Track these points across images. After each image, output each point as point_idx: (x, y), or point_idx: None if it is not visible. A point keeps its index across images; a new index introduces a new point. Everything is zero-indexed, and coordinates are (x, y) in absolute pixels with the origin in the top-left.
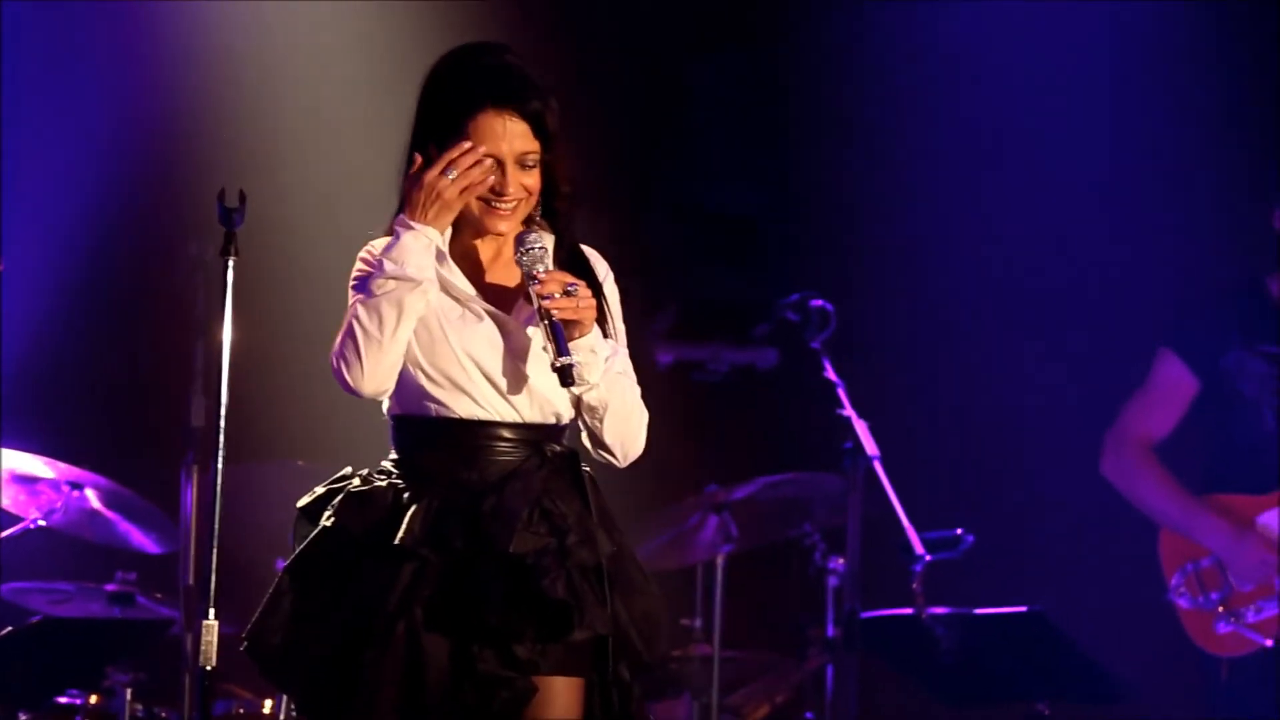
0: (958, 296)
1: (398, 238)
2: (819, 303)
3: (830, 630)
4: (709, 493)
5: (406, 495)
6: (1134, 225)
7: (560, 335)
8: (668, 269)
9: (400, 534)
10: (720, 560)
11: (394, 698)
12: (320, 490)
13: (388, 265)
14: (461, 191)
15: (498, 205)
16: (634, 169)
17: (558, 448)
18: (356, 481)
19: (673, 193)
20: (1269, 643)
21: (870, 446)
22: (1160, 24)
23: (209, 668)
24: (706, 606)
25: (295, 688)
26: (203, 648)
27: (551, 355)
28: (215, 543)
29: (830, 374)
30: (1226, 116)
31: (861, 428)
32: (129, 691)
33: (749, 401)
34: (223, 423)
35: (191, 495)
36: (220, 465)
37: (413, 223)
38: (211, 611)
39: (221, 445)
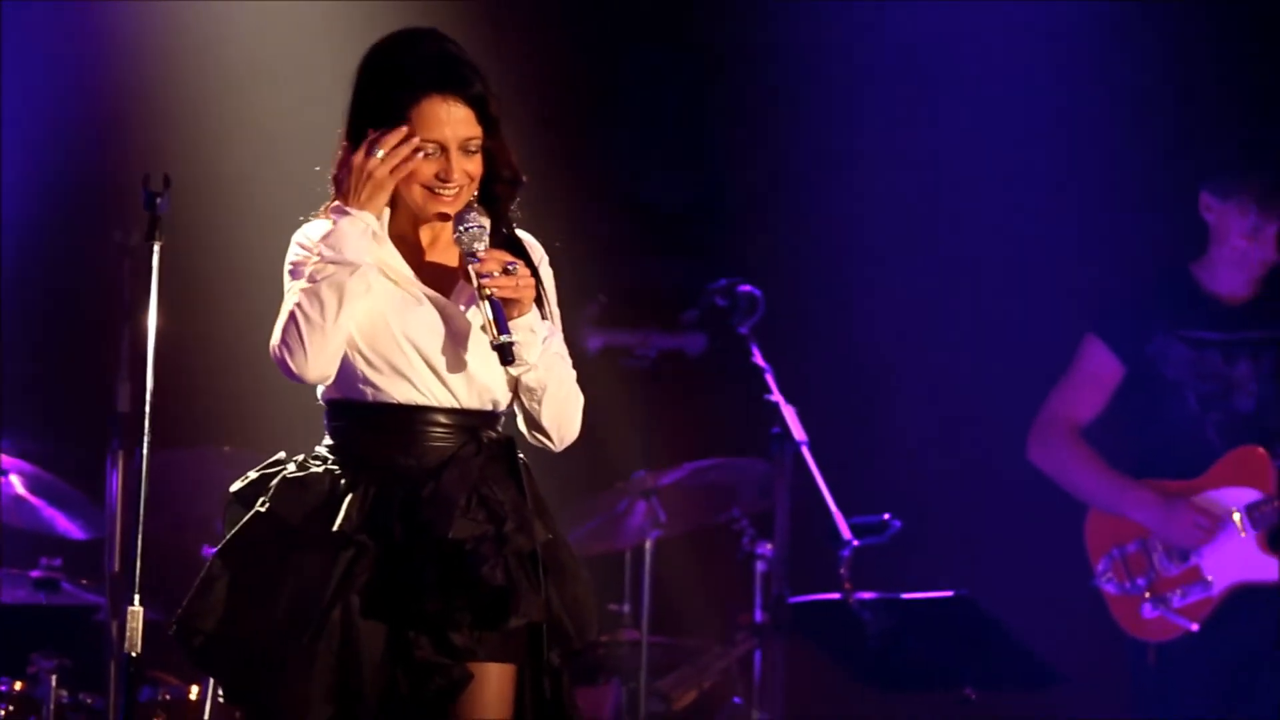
0: (885, 283)
1: (335, 223)
2: (747, 288)
3: (758, 615)
4: (637, 478)
5: (343, 482)
6: (1061, 213)
7: (499, 313)
8: (597, 255)
9: (339, 521)
10: (649, 545)
11: (328, 685)
12: (253, 475)
13: (325, 251)
14: (392, 170)
15: (441, 191)
16: (565, 158)
17: (494, 434)
18: (292, 467)
19: (603, 180)
20: (1195, 627)
21: (798, 432)
22: (1085, 15)
23: (134, 654)
24: (635, 592)
25: (225, 674)
26: (128, 634)
27: (490, 333)
28: (140, 528)
29: (758, 359)
30: (1153, 104)
31: (789, 413)
32: (54, 678)
33: (677, 387)
34: (148, 408)
35: (117, 481)
36: (146, 451)
37: (348, 208)
38: (137, 598)
39: (147, 431)
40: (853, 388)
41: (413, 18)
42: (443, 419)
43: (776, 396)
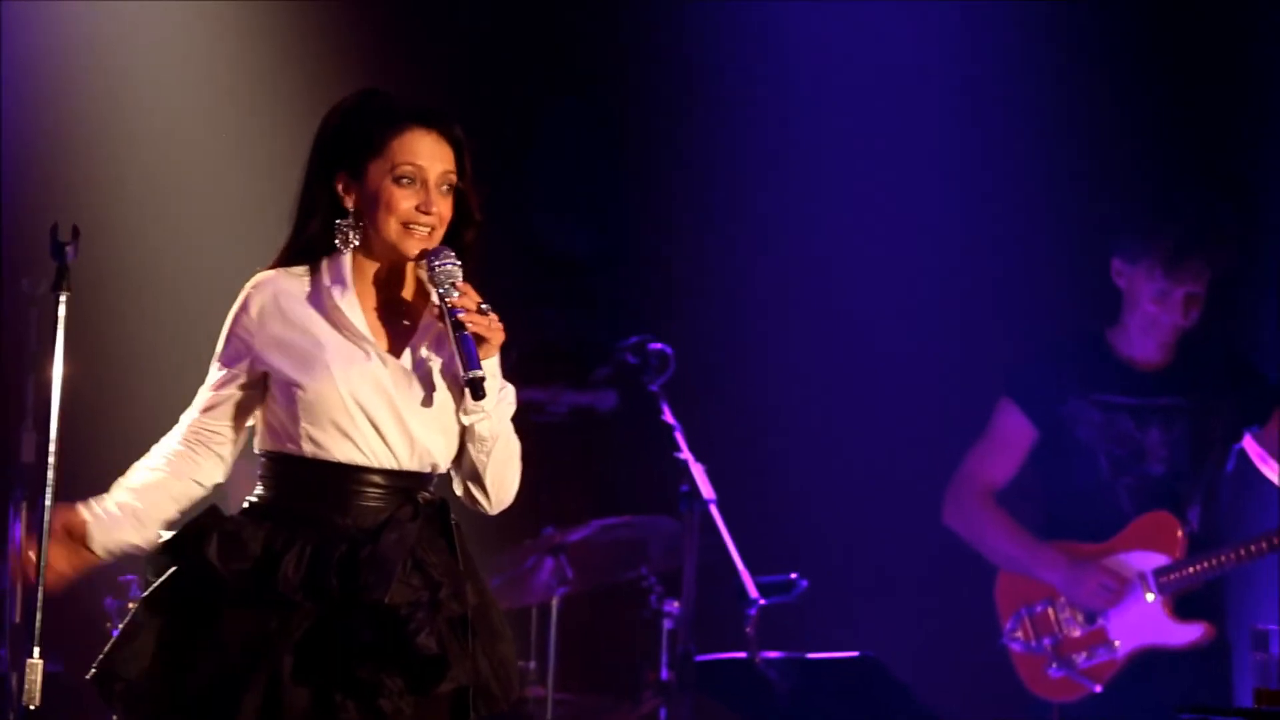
0: (796, 342)
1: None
2: (658, 346)
3: (665, 673)
4: (546, 535)
5: (279, 540)
6: (975, 275)
7: (472, 348)
8: (508, 310)
9: (278, 580)
10: (556, 602)
11: None
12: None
13: None
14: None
15: (415, 227)
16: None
17: (428, 495)
18: (225, 520)
19: (514, 234)
20: (1099, 689)
21: (706, 490)
22: (997, 73)
23: (33, 706)
24: (541, 648)
25: None
26: (27, 686)
27: (461, 367)
28: (42, 580)
29: (668, 417)
30: (1067, 168)
31: (698, 471)
32: None
33: (587, 444)
34: (52, 459)
35: (20, 532)
36: (49, 502)
37: None
38: (36, 650)
39: (50, 481)
40: (761, 447)
41: (331, 71)
42: (380, 480)
43: (685, 454)
